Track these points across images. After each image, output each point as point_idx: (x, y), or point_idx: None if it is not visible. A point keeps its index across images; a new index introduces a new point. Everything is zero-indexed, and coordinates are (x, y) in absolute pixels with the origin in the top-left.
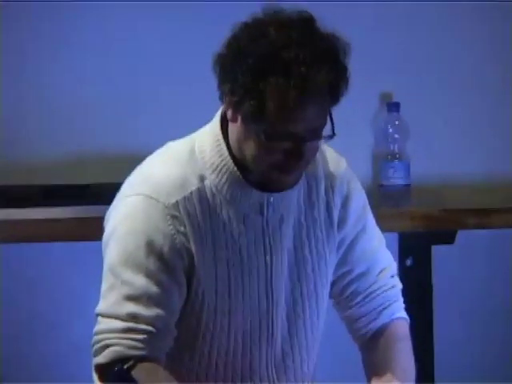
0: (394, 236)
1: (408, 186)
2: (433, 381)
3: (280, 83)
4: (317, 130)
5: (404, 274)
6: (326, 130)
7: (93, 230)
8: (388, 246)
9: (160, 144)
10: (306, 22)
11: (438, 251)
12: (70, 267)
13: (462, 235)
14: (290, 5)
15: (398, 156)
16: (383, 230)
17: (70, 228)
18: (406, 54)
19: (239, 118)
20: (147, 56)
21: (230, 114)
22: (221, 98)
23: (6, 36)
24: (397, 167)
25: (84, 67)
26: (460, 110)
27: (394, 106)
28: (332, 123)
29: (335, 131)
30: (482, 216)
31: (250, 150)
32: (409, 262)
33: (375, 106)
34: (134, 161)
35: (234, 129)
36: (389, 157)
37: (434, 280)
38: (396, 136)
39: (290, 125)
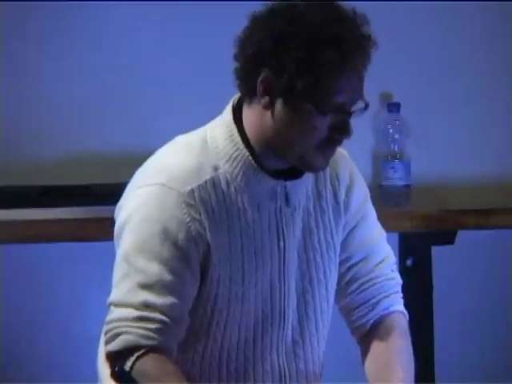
0: (395, 236)
1: (408, 186)
2: (433, 380)
3: (333, 56)
4: (359, 101)
5: (404, 274)
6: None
7: (93, 231)
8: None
9: (160, 144)
10: (331, 2)
11: (438, 251)
12: (70, 267)
13: (462, 235)
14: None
15: (398, 156)
16: (383, 230)
17: (70, 228)
18: (406, 54)
19: (280, 102)
20: (148, 56)
21: (266, 100)
22: (251, 91)
23: (6, 36)
24: (397, 167)
25: (84, 67)
26: (460, 110)
27: (394, 106)
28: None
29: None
30: (483, 216)
31: (293, 131)
32: (409, 263)
33: (375, 106)
34: (133, 161)
35: (261, 116)
36: (389, 157)
37: (434, 280)
38: (396, 136)
39: (341, 96)
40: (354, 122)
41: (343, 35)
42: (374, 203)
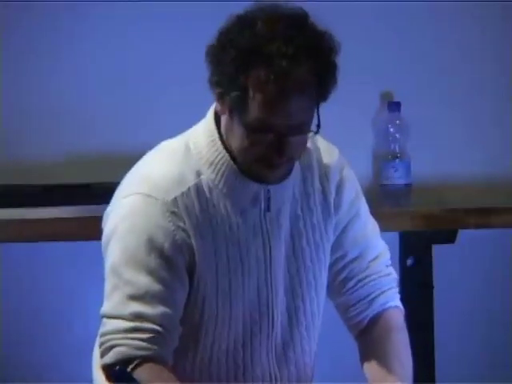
0: (395, 236)
1: (409, 185)
2: (433, 380)
3: (261, 76)
4: (300, 125)
5: (405, 273)
6: (314, 126)
7: (93, 230)
8: (389, 246)
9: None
10: (297, 18)
11: (438, 251)
12: (70, 267)
13: (462, 235)
14: (289, 3)
15: (398, 155)
16: (384, 229)
17: (70, 228)
18: (407, 53)
19: (226, 110)
20: (146, 56)
21: (218, 105)
22: (211, 90)
23: (6, 36)
24: (398, 167)
25: (84, 67)
26: (461, 109)
27: (394, 106)
28: (318, 118)
29: (321, 127)
30: (483, 216)
31: (235, 141)
32: (410, 262)
33: (376, 106)
34: (133, 161)
35: (224, 121)
36: (390, 156)
37: (435, 279)
38: (397, 135)
39: (271, 118)
40: (355, 121)
41: (276, 54)
42: (375, 203)
